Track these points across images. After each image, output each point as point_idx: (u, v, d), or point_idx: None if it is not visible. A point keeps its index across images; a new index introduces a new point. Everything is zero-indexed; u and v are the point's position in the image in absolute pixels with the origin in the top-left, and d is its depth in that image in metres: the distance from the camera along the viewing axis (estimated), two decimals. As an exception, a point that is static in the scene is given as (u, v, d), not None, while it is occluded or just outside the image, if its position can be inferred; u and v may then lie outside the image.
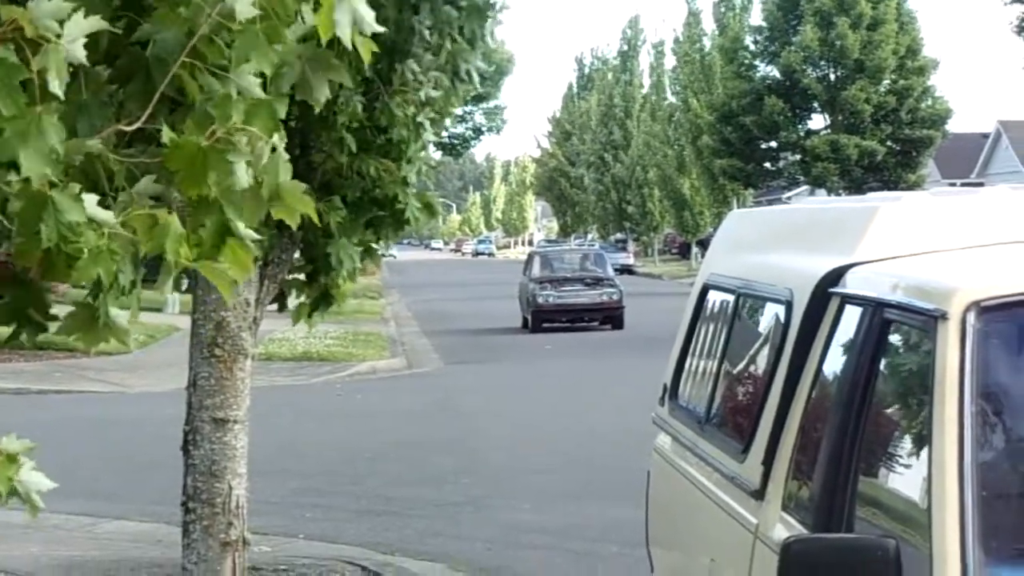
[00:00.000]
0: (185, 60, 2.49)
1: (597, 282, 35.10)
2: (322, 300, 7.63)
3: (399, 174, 7.18)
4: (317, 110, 2.92)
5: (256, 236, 2.68)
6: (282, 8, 2.52)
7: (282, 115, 2.67)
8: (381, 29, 2.66)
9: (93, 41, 2.41)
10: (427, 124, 7.03)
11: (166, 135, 2.48)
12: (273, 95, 2.62)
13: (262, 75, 2.59)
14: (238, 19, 2.45)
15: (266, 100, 2.60)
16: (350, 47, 2.60)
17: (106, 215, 2.49)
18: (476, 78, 7.15)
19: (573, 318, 34.56)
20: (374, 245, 7.87)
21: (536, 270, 35.62)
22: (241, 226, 2.65)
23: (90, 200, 2.45)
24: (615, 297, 34.51)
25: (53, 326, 2.92)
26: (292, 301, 7.82)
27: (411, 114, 6.84)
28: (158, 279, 2.68)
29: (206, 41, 2.49)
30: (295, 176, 2.77)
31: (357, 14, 2.59)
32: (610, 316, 34.53)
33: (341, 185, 7.15)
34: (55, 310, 2.96)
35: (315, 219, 2.79)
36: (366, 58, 2.68)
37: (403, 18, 6.35)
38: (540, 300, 34.15)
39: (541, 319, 34.16)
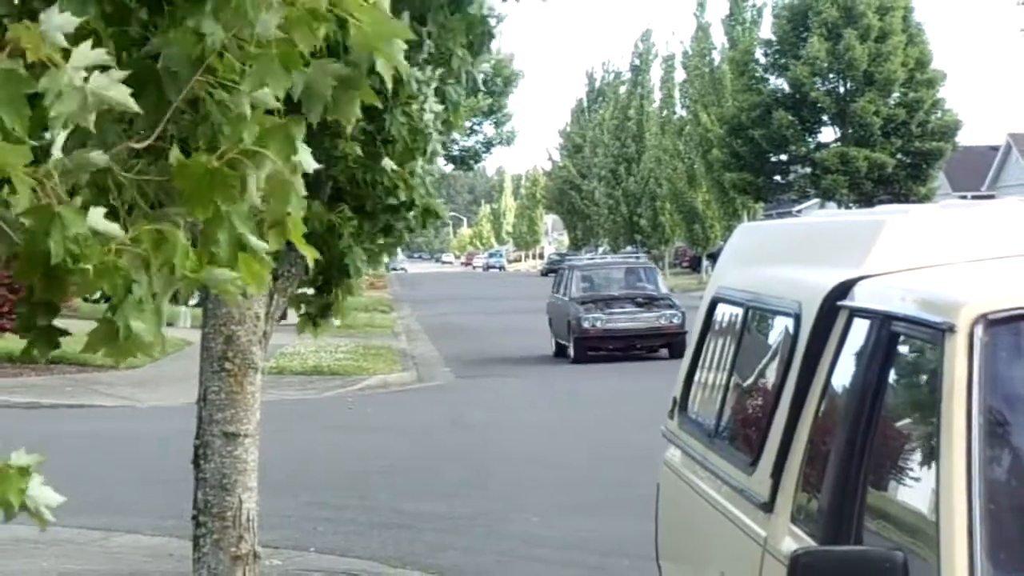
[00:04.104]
0: (199, 78, 2.49)
1: (651, 301, 28.98)
2: (322, 312, 7.67)
3: (413, 181, 7.21)
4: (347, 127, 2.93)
5: (267, 246, 2.69)
6: (303, 31, 2.53)
7: (300, 138, 2.62)
8: (404, 46, 2.68)
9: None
10: (434, 135, 7.06)
11: (173, 156, 2.48)
12: (295, 120, 2.63)
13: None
14: (256, 40, 2.46)
15: (283, 123, 2.59)
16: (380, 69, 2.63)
17: (112, 228, 2.47)
18: (479, 83, 7.19)
19: (625, 345, 28.43)
20: (386, 255, 7.91)
21: (575, 289, 29.80)
22: (253, 239, 2.64)
23: (96, 213, 2.43)
24: (676, 320, 27.88)
25: (71, 343, 2.92)
26: (296, 316, 7.87)
27: (420, 126, 6.87)
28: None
29: (218, 57, 2.50)
30: (305, 187, 2.78)
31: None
32: (670, 342, 27.96)
33: (355, 195, 7.18)
34: (72, 326, 2.97)
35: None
36: (388, 81, 2.69)
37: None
38: (586, 325, 28.21)
39: (586, 347, 28.36)
